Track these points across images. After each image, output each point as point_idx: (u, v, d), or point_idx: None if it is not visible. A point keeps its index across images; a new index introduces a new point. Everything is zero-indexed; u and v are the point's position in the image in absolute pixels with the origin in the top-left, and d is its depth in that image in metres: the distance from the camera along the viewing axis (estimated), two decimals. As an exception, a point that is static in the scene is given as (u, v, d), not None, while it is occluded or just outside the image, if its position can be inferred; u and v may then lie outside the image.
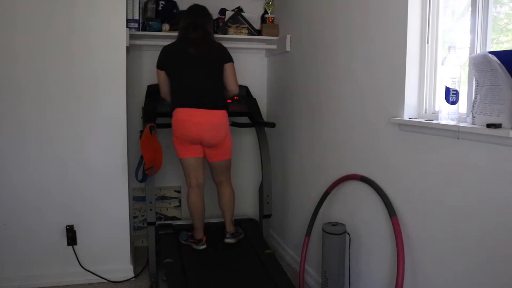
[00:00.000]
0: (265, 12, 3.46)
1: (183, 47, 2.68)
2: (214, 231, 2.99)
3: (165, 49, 2.74)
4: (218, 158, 2.82)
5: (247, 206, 3.70)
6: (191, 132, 2.65)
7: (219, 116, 2.68)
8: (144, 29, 3.15)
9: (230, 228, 2.91)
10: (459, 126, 1.56)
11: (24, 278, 2.76)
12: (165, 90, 2.80)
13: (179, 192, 3.61)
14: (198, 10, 2.77)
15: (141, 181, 2.83)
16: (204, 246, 2.80)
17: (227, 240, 2.85)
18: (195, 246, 2.80)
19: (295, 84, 3.08)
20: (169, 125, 2.92)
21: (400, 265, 1.85)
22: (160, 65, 2.74)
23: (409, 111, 1.91)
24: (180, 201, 3.62)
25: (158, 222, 3.17)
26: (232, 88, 2.77)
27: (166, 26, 3.16)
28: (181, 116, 2.65)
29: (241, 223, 3.22)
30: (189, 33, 2.69)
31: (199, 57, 2.65)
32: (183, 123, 2.65)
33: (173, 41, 2.78)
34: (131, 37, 2.99)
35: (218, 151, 2.78)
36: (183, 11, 2.78)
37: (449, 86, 1.65)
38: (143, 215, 3.50)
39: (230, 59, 2.73)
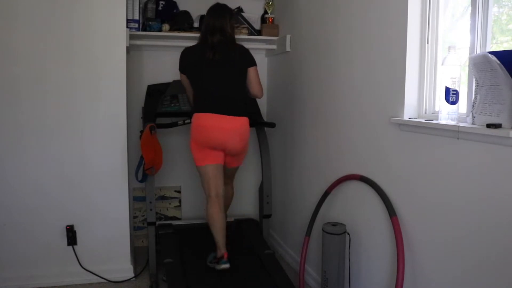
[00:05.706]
0: (265, 12, 3.46)
1: (202, 51, 2.56)
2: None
3: (184, 52, 2.65)
4: (234, 164, 2.79)
5: (247, 206, 3.70)
6: (216, 138, 2.53)
7: (242, 123, 2.57)
8: (144, 29, 3.15)
9: None
10: (459, 126, 1.56)
11: (24, 278, 2.76)
12: (189, 94, 2.74)
13: (179, 192, 3.61)
14: (218, 12, 2.62)
15: (141, 181, 2.83)
16: (226, 265, 2.49)
17: None
18: (217, 267, 2.51)
19: (295, 84, 3.07)
20: (169, 125, 2.92)
21: (400, 265, 1.85)
22: (181, 68, 2.66)
23: (409, 111, 1.91)
24: (180, 201, 3.62)
25: (158, 222, 3.16)
26: (256, 93, 2.67)
27: (166, 26, 3.16)
28: (203, 122, 2.53)
29: (241, 223, 3.23)
30: (207, 37, 2.57)
31: (219, 62, 2.53)
32: (206, 128, 2.52)
33: (194, 44, 2.68)
34: (131, 37, 2.99)
35: (236, 158, 2.72)
36: (206, 13, 2.67)
37: (449, 86, 1.65)
38: (143, 215, 3.50)
39: (253, 63, 2.61)
